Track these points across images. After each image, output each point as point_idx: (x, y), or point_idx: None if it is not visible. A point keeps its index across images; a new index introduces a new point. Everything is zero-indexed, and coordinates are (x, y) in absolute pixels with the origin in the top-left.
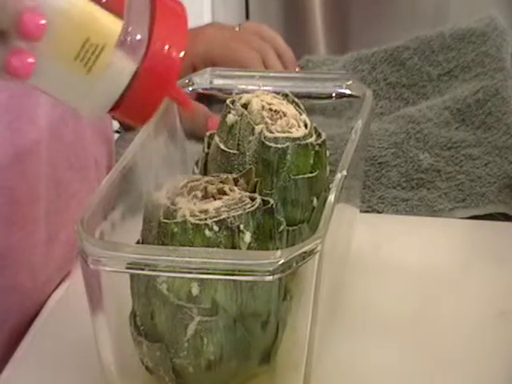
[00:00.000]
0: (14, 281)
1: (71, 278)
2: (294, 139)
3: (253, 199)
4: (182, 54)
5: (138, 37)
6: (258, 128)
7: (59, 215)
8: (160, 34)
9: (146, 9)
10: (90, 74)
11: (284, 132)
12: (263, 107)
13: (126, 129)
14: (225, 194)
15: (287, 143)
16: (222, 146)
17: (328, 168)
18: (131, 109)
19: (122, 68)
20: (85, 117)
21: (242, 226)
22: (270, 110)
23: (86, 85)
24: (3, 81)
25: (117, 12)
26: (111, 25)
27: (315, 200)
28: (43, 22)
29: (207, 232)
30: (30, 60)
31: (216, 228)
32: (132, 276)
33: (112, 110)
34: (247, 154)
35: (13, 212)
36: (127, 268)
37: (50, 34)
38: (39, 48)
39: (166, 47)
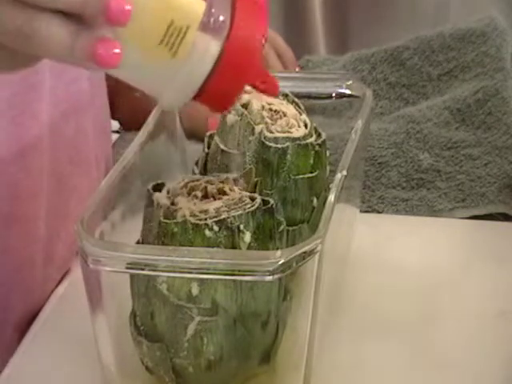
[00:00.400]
0: (15, 277)
1: (71, 278)
2: (294, 139)
3: (253, 199)
4: (263, 39)
5: (221, 18)
6: (257, 128)
7: (59, 210)
8: (242, 18)
9: None
10: (175, 58)
11: (284, 132)
12: (263, 107)
13: (126, 129)
14: (225, 193)
15: (287, 143)
16: (222, 146)
17: (328, 168)
18: (214, 94)
19: (205, 50)
20: (167, 106)
21: (241, 226)
22: (270, 110)
23: (171, 70)
24: (90, 71)
25: None
26: (194, 6)
27: (315, 200)
28: (128, 7)
29: (207, 232)
30: (117, 50)
31: (216, 228)
32: (132, 276)
33: (195, 97)
34: (247, 154)
35: (15, 207)
36: (127, 268)
37: (134, 19)
38: (124, 35)
39: (249, 29)
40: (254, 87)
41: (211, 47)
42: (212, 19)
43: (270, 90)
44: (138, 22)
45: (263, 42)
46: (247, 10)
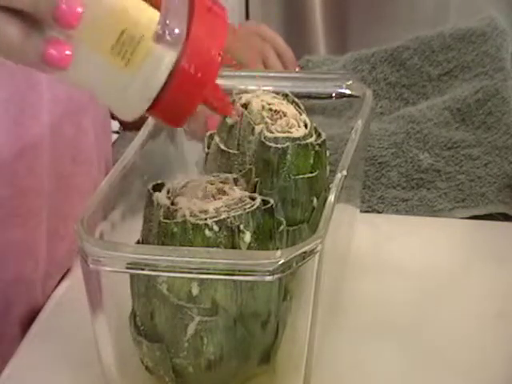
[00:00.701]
0: (17, 274)
1: (71, 278)
2: (294, 139)
3: (253, 199)
4: (221, 54)
5: (176, 31)
6: (257, 128)
7: (60, 209)
8: (199, 31)
9: (184, 5)
10: (127, 68)
11: (284, 132)
12: (263, 107)
13: (126, 129)
14: (225, 193)
15: (287, 143)
16: (222, 146)
17: (328, 168)
18: (168, 109)
19: (159, 62)
20: (120, 116)
21: (242, 226)
22: (270, 110)
23: (123, 79)
24: (41, 72)
25: (154, 4)
26: (148, 16)
27: (315, 200)
28: (80, 9)
29: (207, 232)
30: (67, 52)
31: (216, 228)
32: (132, 276)
33: (148, 109)
34: (247, 154)
35: (18, 206)
36: (127, 268)
37: (86, 23)
38: (75, 38)
39: (206, 44)
40: (207, 104)
41: (165, 59)
42: (167, 31)
43: (223, 109)
44: (89, 27)
45: (219, 57)
46: (205, 23)
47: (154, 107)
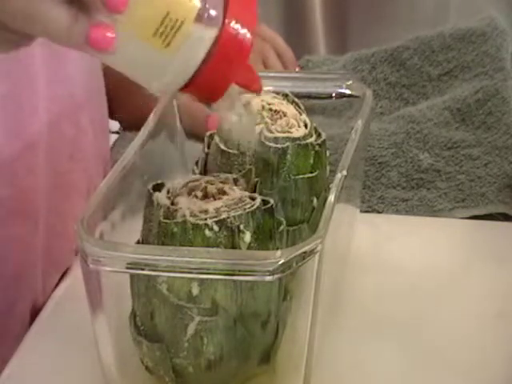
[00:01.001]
0: (17, 272)
1: (71, 278)
2: (294, 139)
3: (253, 199)
4: (254, 34)
5: (214, 13)
6: (257, 128)
7: (59, 208)
8: (234, 13)
9: None
10: (167, 49)
11: (284, 132)
12: (263, 107)
13: (126, 129)
14: (225, 193)
15: (287, 143)
16: (222, 146)
17: (328, 168)
18: (203, 86)
19: (198, 43)
20: (156, 93)
21: (242, 226)
22: (270, 110)
23: (164, 60)
24: (87, 53)
25: None
26: (190, 1)
27: (315, 200)
28: None
29: (207, 232)
30: (110, 34)
31: (216, 228)
32: (132, 276)
33: (184, 87)
34: (247, 154)
35: (16, 204)
36: (127, 268)
37: (131, 7)
38: (120, 22)
39: (240, 26)
40: (238, 82)
41: (204, 40)
42: (206, 14)
43: (253, 87)
44: (134, 11)
45: (251, 37)
46: (239, 4)
47: (189, 85)
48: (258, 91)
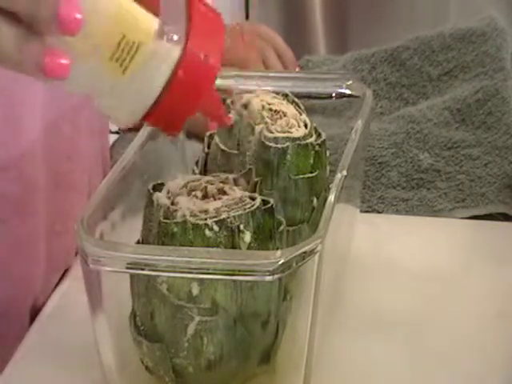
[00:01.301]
0: (19, 273)
1: (71, 278)
2: (294, 139)
3: (253, 199)
4: (218, 62)
5: (175, 37)
6: (257, 128)
7: (58, 207)
8: (197, 39)
9: (182, 12)
10: (125, 75)
11: (284, 132)
12: (263, 107)
13: (126, 129)
14: (225, 193)
15: (287, 143)
16: (222, 146)
17: (328, 168)
18: (164, 117)
19: (157, 69)
20: (116, 123)
21: (242, 226)
22: (270, 110)
23: (121, 86)
24: (40, 81)
25: (152, 10)
26: (147, 22)
27: (315, 200)
28: (79, 16)
29: (207, 232)
30: (65, 61)
31: (216, 228)
32: (132, 276)
33: (145, 117)
34: (247, 153)
35: (18, 204)
36: (127, 268)
37: (85, 29)
38: (75, 47)
39: (203, 52)
40: (202, 111)
41: (163, 66)
42: (165, 37)
43: (218, 118)
44: (89, 33)
45: (219, 64)
46: (202, 30)
47: (150, 115)
48: (223, 124)
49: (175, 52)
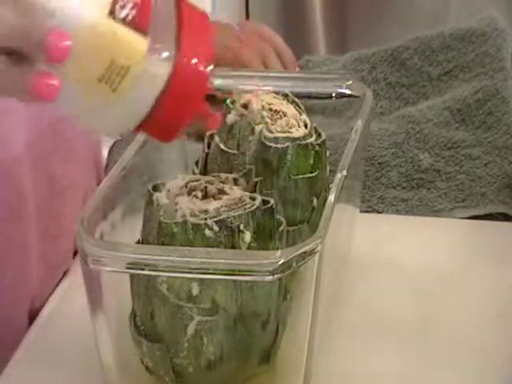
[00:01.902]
0: (16, 275)
1: (71, 278)
2: (294, 139)
3: (253, 199)
4: (210, 67)
5: (165, 54)
6: (257, 128)
7: (52, 208)
8: (187, 50)
9: (171, 23)
10: (114, 94)
11: (284, 132)
12: (263, 107)
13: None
14: (225, 193)
15: (287, 143)
16: (222, 146)
17: (328, 168)
18: (158, 127)
19: (148, 87)
20: (107, 136)
21: (241, 226)
22: (270, 109)
23: (111, 105)
24: (28, 103)
25: (141, 30)
26: (136, 44)
27: (315, 200)
28: (68, 43)
29: (207, 232)
30: (54, 82)
31: (216, 228)
32: (132, 276)
33: (137, 129)
34: (247, 153)
35: (12, 206)
36: (127, 268)
37: (74, 55)
38: (64, 70)
39: (194, 62)
40: (196, 120)
41: (154, 83)
42: (155, 56)
43: (211, 123)
44: (78, 59)
45: (210, 68)
46: (193, 38)
47: (142, 126)
48: (215, 128)
49: (166, 67)
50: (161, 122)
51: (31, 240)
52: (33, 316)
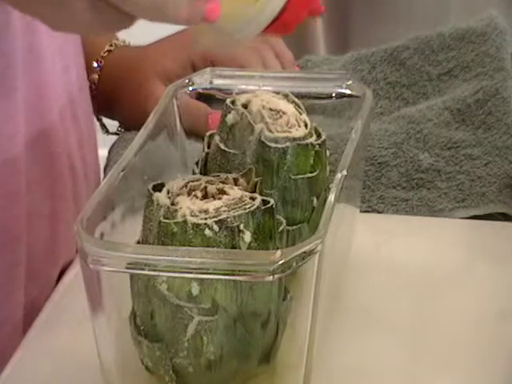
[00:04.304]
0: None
1: (71, 278)
2: (294, 139)
3: (253, 199)
4: None
5: None
6: (257, 128)
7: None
8: None
9: None
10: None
11: (284, 132)
12: (263, 107)
13: (126, 129)
14: (225, 193)
15: (287, 143)
16: (222, 146)
17: (328, 168)
18: (280, 25)
19: None
20: (239, 40)
21: (241, 226)
22: (270, 109)
23: (252, 14)
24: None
25: None
26: None
27: (315, 200)
28: None
29: (207, 232)
30: (217, 4)
31: (216, 228)
32: (132, 276)
33: (265, 28)
34: (247, 154)
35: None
36: (127, 268)
37: None
38: None
39: None
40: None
41: None
42: None
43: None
44: None
45: None
46: None
47: (269, 26)
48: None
49: None
50: (283, 20)
51: (22, 245)
52: (34, 315)
